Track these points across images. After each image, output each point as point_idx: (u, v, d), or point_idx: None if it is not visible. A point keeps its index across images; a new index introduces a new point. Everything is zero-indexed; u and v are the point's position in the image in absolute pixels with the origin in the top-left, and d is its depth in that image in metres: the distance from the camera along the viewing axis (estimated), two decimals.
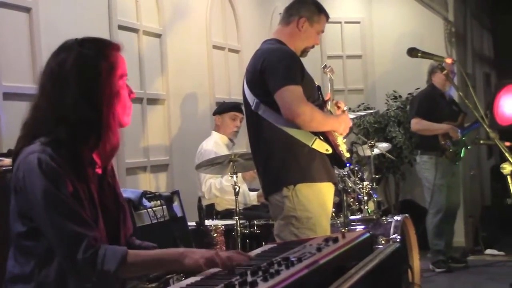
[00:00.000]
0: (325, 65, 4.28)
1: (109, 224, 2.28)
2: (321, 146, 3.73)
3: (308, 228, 3.68)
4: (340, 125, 3.83)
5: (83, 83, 2.18)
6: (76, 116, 2.16)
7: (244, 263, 2.14)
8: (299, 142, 3.70)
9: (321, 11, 4.02)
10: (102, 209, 2.26)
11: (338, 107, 4.01)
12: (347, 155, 3.94)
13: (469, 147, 7.17)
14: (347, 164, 4.01)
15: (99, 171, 2.30)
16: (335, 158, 3.82)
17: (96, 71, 2.20)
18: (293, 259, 1.99)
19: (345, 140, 3.99)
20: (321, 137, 3.73)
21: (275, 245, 2.74)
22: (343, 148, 3.89)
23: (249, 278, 1.82)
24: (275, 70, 3.66)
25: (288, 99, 3.59)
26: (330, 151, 3.75)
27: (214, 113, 5.94)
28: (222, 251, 2.20)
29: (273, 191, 3.78)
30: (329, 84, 4.17)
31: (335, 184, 3.98)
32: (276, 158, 3.76)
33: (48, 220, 2.09)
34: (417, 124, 6.99)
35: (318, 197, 3.75)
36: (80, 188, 2.15)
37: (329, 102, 4.00)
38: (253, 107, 3.80)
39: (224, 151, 5.57)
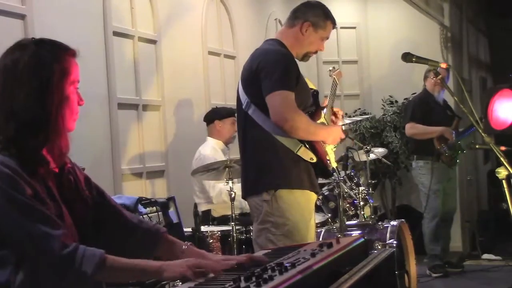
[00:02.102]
0: (333, 68, 4.23)
1: (77, 221, 2.27)
2: (305, 154, 3.69)
3: (284, 235, 3.63)
4: (329, 136, 3.78)
5: (36, 83, 2.18)
6: (26, 113, 2.16)
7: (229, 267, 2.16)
8: (284, 147, 3.66)
9: (328, 17, 3.93)
10: (68, 205, 2.25)
11: (335, 116, 3.98)
12: (334, 165, 3.90)
13: (464, 151, 7.19)
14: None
15: (55, 170, 2.28)
16: (320, 168, 3.78)
17: (49, 73, 2.20)
18: (287, 264, 1.98)
19: (335, 149, 3.97)
20: (307, 145, 3.69)
21: (270, 250, 2.74)
22: (331, 157, 3.85)
23: (243, 284, 1.81)
24: (270, 72, 3.60)
25: (278, 103, 3.55)
26: (315, 160, 3.70)
27: (214, 119, 5.89)
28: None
29: (253, 193, 3.75)
30: (331, 89, 4.13)
31: (317, 193, 3.93)
32: (259, 160, 3.72)
33: (15, 224, 2.06)
34: (412, 129, 7.01)
35: (298, 204, 3.69)
36: (38, 188, 2.14)
37: (326, 109, 3.97)
38: (243, 106, 3.76)
39: (221, 157, 5.57)
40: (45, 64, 2.21)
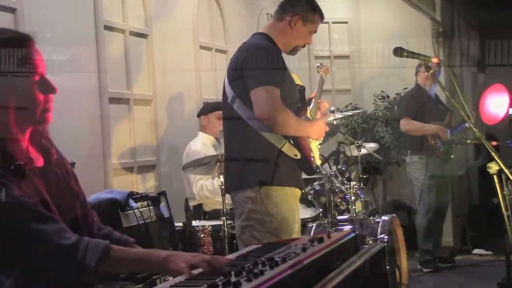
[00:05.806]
0: (321, 64, 4.22)
1: (65, 213, 2.26)
2: (290, 151, 3.66)
3: (268, 232, 3.61)
4: (314, 132, 3.77)
5: None
6: None
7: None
8: (269, 143, 3.64)
9: (316, 11, 3.92)
10: (55, 200, 2.23)
11: (319, 108, 3.97)
12: (318, 162, 3.88)
13: (458, 146, 7.19)
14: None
15: (40, 164, 2.26)
16: (304, 164, 3.76)
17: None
18: (277, 259, 1.98)
19: (319, 146, 3.95)
20: (291, 141, 3.67)
21: (260, 245, 2.74)
22: (315, 154, 3.82)
23: (233, 279, 1.80)
24: (255, 68, 3.59)
25: (263, 99, 3.53)
26: (299, 156, 3.68)
27: (199, 114, 5.92)
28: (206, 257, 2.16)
29: (237, 189, 3.72)
30: (318, 85, 4.11)
31: (302, 189, 3.91)
32: (244, 156, 3.69)
33: (14, 228, 2.04)
34: (407, 125, 7.00)
35: (283, 201, 3.67)
36: (25, 186, 2.11)
37: (312, 102, 3.96)
38: (229, 100, 3.73)
39: (212, 152, 5.57)
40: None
